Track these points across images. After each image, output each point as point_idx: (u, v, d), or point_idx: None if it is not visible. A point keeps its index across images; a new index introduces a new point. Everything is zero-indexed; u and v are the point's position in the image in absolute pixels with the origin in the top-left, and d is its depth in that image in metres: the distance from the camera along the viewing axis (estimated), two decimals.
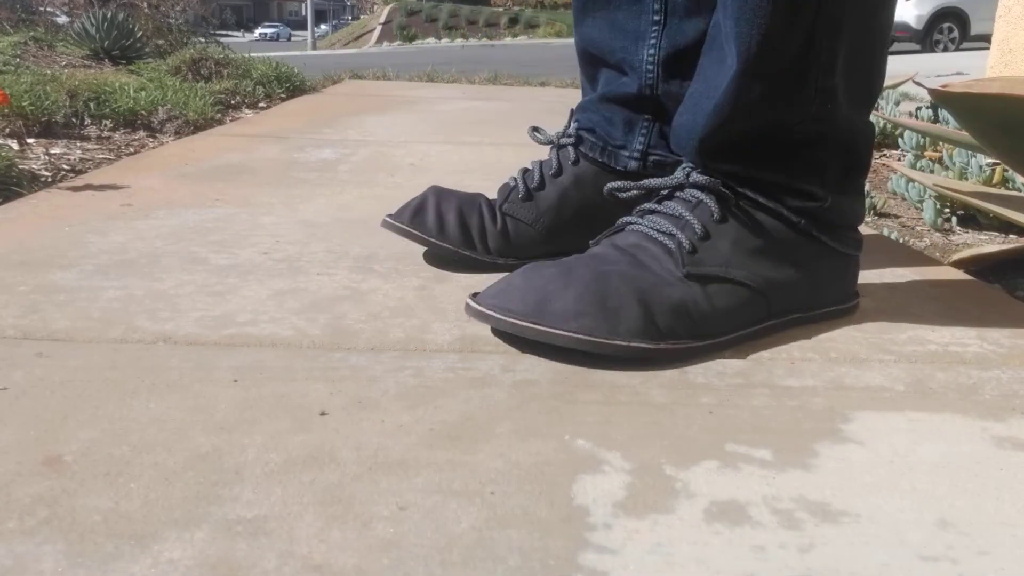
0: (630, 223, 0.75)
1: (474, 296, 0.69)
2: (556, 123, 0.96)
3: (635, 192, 0.77)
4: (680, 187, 0.75)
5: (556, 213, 0.91)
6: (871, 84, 0.76)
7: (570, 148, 0.92)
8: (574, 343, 0.64)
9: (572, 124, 0.94)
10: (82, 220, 1.06)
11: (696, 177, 0.74)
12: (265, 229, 1.05)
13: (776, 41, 0.67)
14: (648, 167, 0.90)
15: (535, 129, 0.97)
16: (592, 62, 0.94)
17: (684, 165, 0.76)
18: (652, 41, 0.87)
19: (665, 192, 0.76)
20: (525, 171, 0.93)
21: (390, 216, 0.91)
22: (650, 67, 0.87)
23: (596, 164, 0.92)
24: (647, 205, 0.76)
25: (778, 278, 0.73)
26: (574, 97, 1.58)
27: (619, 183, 0.78)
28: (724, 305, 0.69)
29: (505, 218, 0.90)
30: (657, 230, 0.72)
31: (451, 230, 0.88)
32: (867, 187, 1.48)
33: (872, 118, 2.11)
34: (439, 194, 0.91)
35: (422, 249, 0.94)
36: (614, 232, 0.76)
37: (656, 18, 0.86)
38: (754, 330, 0.72)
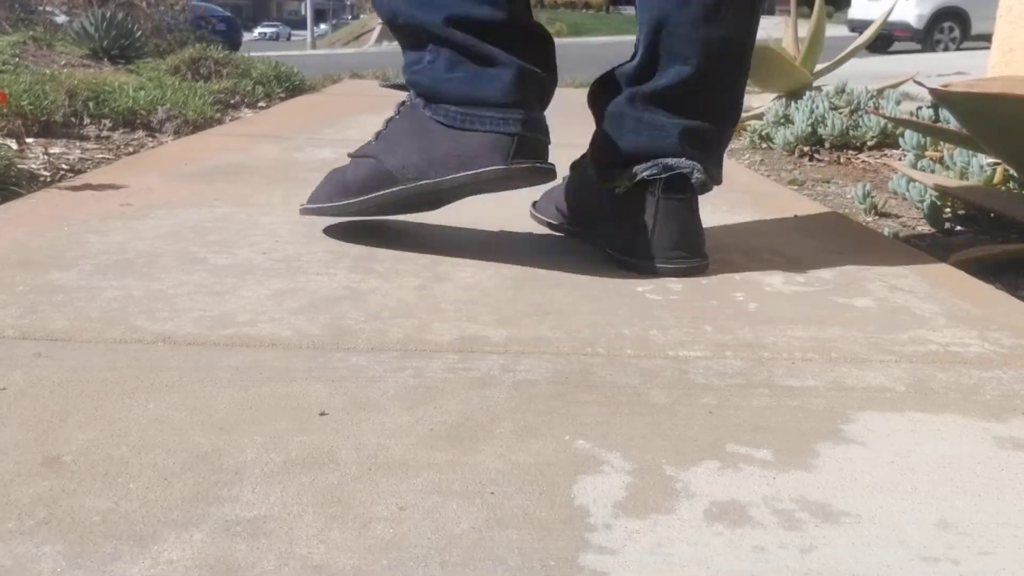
0: None
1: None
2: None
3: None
4: None
5: None
6: None
7: None
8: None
9: None
10: (81, 220, 1.06)
11: None
12: (264, 229, 1.04)
13: None
14: None
15: None
16: None
17: None
18: None
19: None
20: None
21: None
22: None
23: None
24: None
25: (402, 153, 0.91)
26: (574, 97, 1.57)
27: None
28: (358, 176, 0.95)
29: None
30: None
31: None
32: (868, 186, 1.48)
33: (873, 118, 2.10)
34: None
35: (422, 249, 0.94)
36: None
37: None
38: (379, 194, 0.92)
